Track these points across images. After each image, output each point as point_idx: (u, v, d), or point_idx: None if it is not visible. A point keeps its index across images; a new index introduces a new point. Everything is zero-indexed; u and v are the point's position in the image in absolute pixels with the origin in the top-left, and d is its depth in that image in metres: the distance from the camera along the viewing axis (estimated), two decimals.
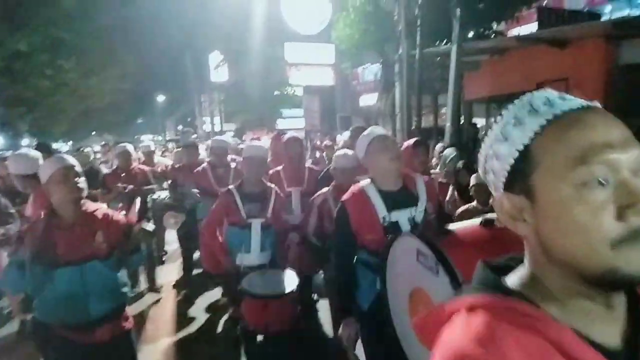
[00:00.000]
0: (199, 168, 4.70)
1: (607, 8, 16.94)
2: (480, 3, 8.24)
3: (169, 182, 5.50)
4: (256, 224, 3.40)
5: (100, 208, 2.50)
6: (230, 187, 3.51)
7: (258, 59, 18.93)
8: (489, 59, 9.50)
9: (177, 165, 5.81)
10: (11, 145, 16.76)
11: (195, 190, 4.58)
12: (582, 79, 7.53)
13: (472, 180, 3.64)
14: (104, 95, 18.86)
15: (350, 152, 3.58)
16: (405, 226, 2.23)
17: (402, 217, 2.22)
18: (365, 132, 2.45)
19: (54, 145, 24.78)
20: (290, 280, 3.19)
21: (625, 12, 13.64)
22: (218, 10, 18.82)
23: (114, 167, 5.88)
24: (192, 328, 4.49)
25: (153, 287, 5.40)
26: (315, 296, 4.61)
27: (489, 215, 1.76)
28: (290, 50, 21.83)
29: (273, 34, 19.00)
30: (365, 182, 2.36)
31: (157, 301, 5.15)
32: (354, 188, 2.37)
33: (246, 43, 18.90)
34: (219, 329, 4.47)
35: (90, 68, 15.95)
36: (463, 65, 9.35)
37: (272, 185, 3.60)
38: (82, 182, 2.36)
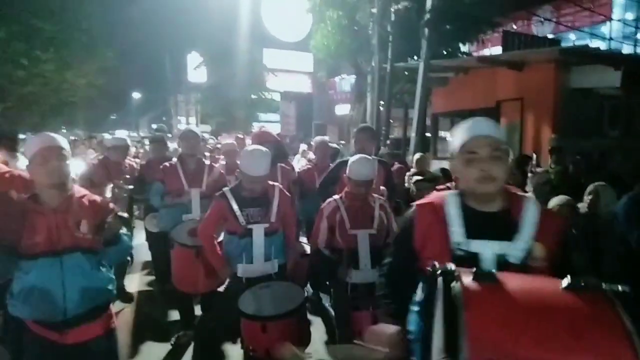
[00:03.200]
0: (167, 163, 4.13)
1: (572, 36, 18.11)
2: (447, 25, 8.88)
3: (135, 178, 4.98)
4: (258, 230, 2.96)
5: (87, 194, 2.28)
6: (225, 189, 3.11)
7: (237, 62, 19.20)
8: (454, 76, 10.14)
9: (143, 162, 5.41)
10: None
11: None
12: (536, 99, 8.20)
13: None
14: (78, 90, 18.68)
15: (369, 158, 3.22)
16: (488, 263, 1.57)
17: (486, 249, 1.58)
18: (466, 123, 1.65)
19: (22, 137, 24.16)
20: (294, 296, 2.79)
21: (587, 41, 14.73)
22: (199, 11, 19.06)
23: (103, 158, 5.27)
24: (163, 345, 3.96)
25: (123, 295, 4.73)
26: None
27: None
28: (269, 56, 22.34)
29: (253, 39, 19.37)
30: (450, 191, 1.74)
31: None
32: (434, 195, 1.79)
33: (226, 46, 19.15)
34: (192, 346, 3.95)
35: (68, 61, 15.85)
36: (431, 81, 9.99)
37: (275, 184, 3.22)
38: (66, 164, 2.13)
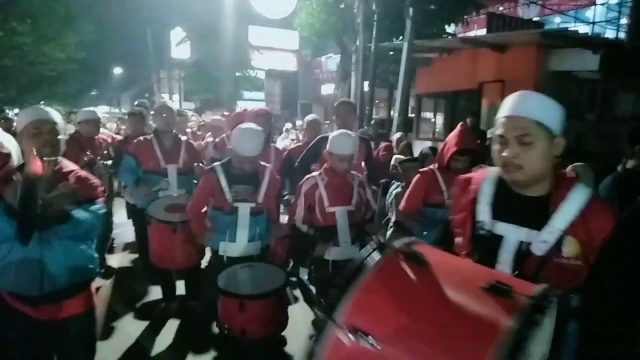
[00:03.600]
0: (141, 138, 4.00)
1: (557, 20, 18.25)
2: (432, 5, 8.87)
3: (113, 153, 4.91)
4: (244, 209, 2.96)
5: (76, 169, 2.25)
6: (216, 164, 3.08)
7: (221, 39, 18.91)
8: (438, 57, 10.19)
9: (120, 138, 5.29)
10: None
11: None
12: (516, 81, 8.26)
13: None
14: (57, 64, 18.22)
15: (351, 133, 3.11)
16: (508, 249, 1.47)
17: (510, 234, 1.47)
18: (508, 98, 1.48)
19: None
20: (275, 278, 2.77)
21: (571, 25, 14.85)
22: None
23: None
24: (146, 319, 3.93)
25: (104, 270, 4.73)
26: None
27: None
28: (254, 33, 22.00)
29: (238, 15, 19.04)
30: (495, 169, 1.60)
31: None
32: (478, 171, 1.71)
33: (210, 22, 18.80)
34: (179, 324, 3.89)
35: (46, 34, 15.40)
36: (415, 62, 10.02)
37: (267, 165, 3.19)
38: (57, 139, 2.13)
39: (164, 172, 3.81)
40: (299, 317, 3.47)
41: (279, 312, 2.79)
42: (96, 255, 2.27)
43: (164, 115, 3.91)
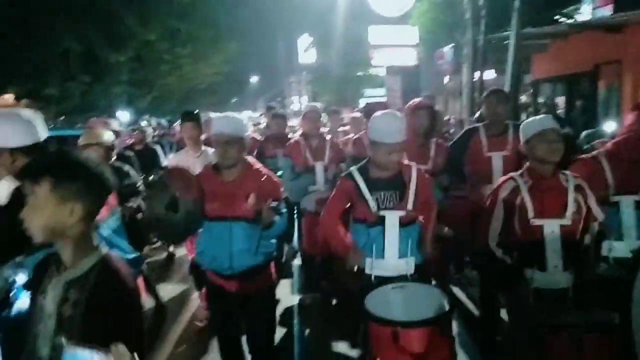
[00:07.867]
0: (292, 140, 4.42)
1: None
2: None
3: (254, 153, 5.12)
4: (392, 219, 2.43)
5: (263, 170, 2.57)
6: (352, 169, 2.60)
7: (343, 41, 20.35)
8: (553, 42, 10.19)
9: (263, 137, 5.59)
10: (135, 120, 19.90)
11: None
12: (636, 61, 8.11)
13: None
14: (206, 78, 21.58)
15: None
16: None
17: None
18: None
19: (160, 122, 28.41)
20: (436, 302, 2.20)
21: None
22: None
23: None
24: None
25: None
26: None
27: None
28: (373, 33, 23.07)
29: (358, 17, 20.33)
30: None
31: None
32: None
33: (332, 26, 20.38)
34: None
35: (200, 54, 18.50)
36: (531, 48, 10.17)
37: (412, 164, 2.59)
38: (229, 148, 2.40)
39: (312, 170, 4.16)
40: None
41: (443, 347, 2.11)
42: (274, 241, 2.65)
43: (311, 118, 4.28)
